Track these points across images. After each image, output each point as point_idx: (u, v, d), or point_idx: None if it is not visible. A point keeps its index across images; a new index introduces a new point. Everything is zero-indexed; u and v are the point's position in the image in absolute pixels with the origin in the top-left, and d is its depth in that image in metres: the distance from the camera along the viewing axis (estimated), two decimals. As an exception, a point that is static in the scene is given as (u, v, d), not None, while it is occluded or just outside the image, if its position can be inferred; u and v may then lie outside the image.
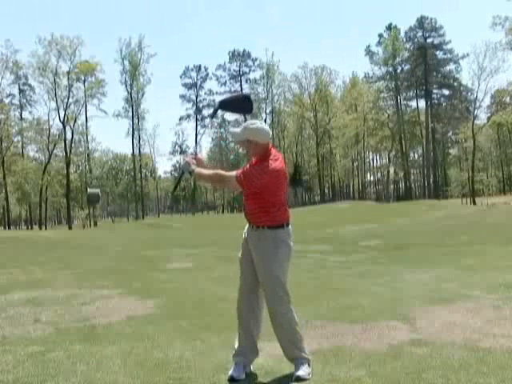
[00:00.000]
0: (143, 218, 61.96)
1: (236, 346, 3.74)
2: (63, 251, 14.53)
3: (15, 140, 58.93)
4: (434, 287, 6.81)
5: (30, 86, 62.32)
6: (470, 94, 68.62)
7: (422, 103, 72.94)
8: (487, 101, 68.02)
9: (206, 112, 77.75)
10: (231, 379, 3.50)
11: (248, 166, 3.67)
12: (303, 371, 3.48)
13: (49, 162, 56.57)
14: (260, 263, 3.63)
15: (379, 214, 29.43)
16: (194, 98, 77.68)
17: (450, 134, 75.99)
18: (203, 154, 78.81)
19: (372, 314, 5.23)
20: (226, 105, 4.08)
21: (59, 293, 7.20)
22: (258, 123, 3.65)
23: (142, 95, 63.73)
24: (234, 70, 76.69)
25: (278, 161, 3.61)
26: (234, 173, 3.65)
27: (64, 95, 54.76)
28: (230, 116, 69.71)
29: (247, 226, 3.79)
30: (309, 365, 3.57)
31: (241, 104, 3.99)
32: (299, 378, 3.44)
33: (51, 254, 13.79)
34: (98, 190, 52.30)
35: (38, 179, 55.17)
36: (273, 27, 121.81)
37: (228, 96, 4.60)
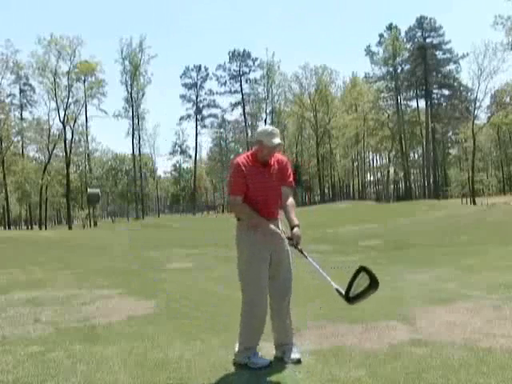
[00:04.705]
0: (143, 218, 61.96)
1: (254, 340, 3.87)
2: (63, 251, 14.53)
3: (15, 140, 58.86)
4: (434, 287, 6.81)
5: (30, 86, 62.34)
6: (470, 94, 68.59)
7: (422, 103, 73.01)
8: (487, 101, 68.11)
9: (206, 112, 78.01)
10: (269, 364, 3.74)
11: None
12: (298, 353, 3.80)
13: (49, 161, 56.52)
14: (287, 250, 3.88)
15: (379, 213, 29.40)
16: (194, 97, 77.71)
17: (450, 133, 75.92)
18: (203, 154, 79.35)
19: (372, 314, 5.23)
20: None
21: (59, 293, 7.20)
22: (264, 126, 4.25)
23: (143, 95, 63.94)
24: (234, 70, 76.67)
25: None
26: (286, 188, 3.91)
27: (64, 95, 54.73)
28: (229, 116, 69.79)
29: (266, 222, 3.77)
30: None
31: None
32: (299, 360, 3.74)
33: (51, 253, 13.79)
34: (97, 190, 52.34)
35: (38, 179, 55.08)
36: (273, 27, 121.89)
37: None
